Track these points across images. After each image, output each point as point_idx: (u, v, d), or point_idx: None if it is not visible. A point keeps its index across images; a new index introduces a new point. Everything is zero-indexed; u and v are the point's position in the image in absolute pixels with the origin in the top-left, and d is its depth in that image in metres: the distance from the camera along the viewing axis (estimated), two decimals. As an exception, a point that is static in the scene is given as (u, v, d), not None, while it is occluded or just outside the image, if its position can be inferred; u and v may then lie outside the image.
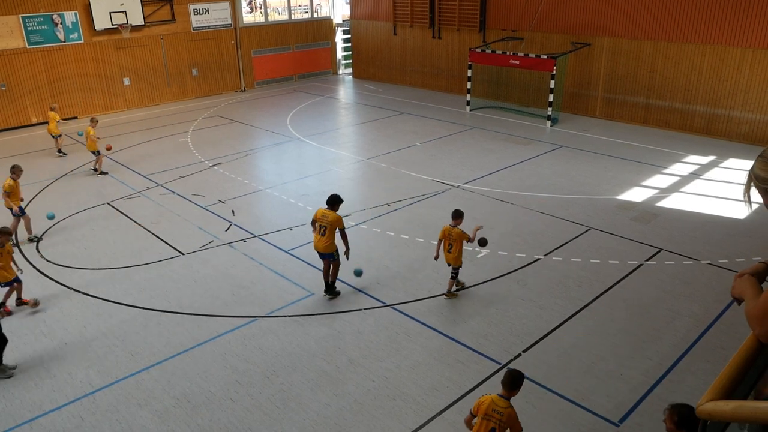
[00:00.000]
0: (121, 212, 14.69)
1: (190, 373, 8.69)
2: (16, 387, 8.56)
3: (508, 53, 21.84)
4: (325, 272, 10.41)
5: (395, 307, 10.19)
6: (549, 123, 21.17)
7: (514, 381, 6.02)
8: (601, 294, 10.41)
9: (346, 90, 29.12)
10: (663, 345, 9.03)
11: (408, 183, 15.87)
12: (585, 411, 7.72)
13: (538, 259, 11.66)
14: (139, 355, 9.17)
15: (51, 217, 14.12)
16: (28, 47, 23.29)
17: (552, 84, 20.65)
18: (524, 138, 19.77)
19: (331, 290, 10.47)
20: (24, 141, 22.18)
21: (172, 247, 12.70)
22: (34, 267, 12.08)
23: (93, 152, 17.56)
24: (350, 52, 31.94)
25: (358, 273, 10.70)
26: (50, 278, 11.62)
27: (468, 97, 23.72)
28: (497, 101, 24.26)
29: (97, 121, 17.97)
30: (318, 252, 10.28)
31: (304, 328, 9.67)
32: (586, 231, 12.82)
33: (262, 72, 30.11)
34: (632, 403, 7.85)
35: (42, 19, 23.38)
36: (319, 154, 18.90)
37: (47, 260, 12.34)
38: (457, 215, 9.97)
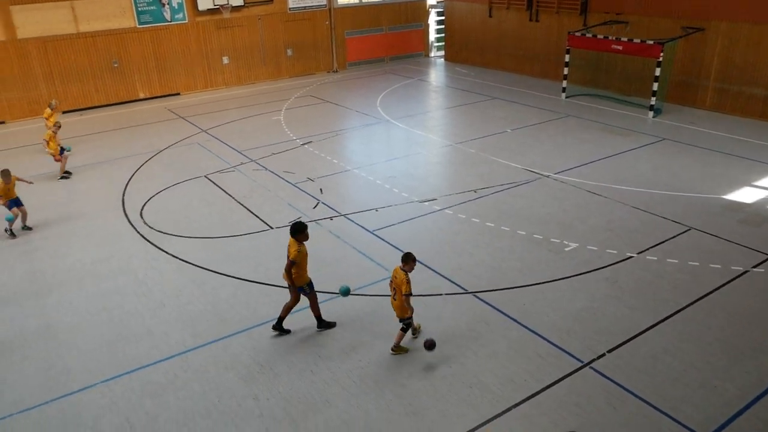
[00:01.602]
0: (216, 185, 15.38)
1: (274, 343, 9.03)
2: (120, 341, 9.22)
3: (610, 38, 20.91)
4: (287, 308, 9.18)
5: (476, 294, 10.12)
6: (651, 113, 20.15)
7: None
8: (698, 299, 9.87)
9: (437, 73, 28.93)
10: (766, 360, 8.46)
11: (496, 170, 15.63)
12: (671, 420, 7.39)
13: (631, 257, 11.21)
14: (229, 321, 9.62)
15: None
16: (138, 27, 24.64)
17: (657, 72, 19.60)
18: (623, 129, 18.96)
19: (321, 323, 9.34)
20: (131, 115, 23.59)
21: (263, 221, 13.17)
22: (138, 231, 12.90)
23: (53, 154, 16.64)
24: (443, 35, 31.63)
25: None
26: (152, 243, 12.37)
27: (564, 83, 22.97)
28: (595, 89, 23.34)
29: (60, 126, 17.25)
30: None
31: (384, 309, 9.78)
32: (686, 231, 12.17)
33: (355, 53, 30.41)
34: (725, 418, 7.42)
35: (151, 0, 24.63)
36: (407, 137, 18.94)
37: (149, 226, 13.14)
38: (406, 258, 8.34)
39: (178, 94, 26.29)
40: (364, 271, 10.94)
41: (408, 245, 11.69)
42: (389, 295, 10.01)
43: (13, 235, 13.10)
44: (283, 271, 8.84)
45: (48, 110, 18.41)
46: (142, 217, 13.66)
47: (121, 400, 8.02)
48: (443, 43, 31.77)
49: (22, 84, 23.18)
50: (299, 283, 8.89)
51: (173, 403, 7.94)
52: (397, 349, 8.70)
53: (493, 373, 8.25)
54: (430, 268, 10.94)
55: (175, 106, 24.37)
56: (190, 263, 11.49)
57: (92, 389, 8.25)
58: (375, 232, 12.42)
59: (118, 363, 8.75)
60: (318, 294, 9.40)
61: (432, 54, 32.97)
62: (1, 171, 12.92)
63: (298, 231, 8.72)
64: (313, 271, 10.89)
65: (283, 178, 15.61)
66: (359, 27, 30.10)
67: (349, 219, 13.10)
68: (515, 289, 10.23)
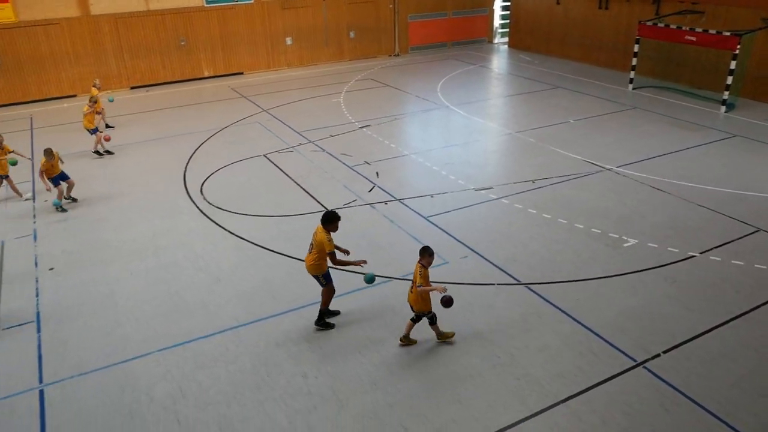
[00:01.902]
0: (275, 164, 15.62)
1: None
2: (176, 313, 9.54)
3: (683, 28, 20.04)
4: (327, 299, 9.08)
5: (530, 286, 9.97)
6: (723, 108, 19.26)
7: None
8: (763, 304, 9.44)
9: (500, 60, 28.44)
10: (831, 367, 8.05)
11: (556, 161, 15.29)
12: (726, 426, 7.12)
13: (693, 256, 10.80)
14: (281, 299, 9.81)
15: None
16: (205, 6, 25.14)
17: (733, 65, 18.69)
18: (692, 123, 18.19)
19: (320, 320, 9.05)
20: (195, 92, 24.19)
21: (318, 202, 13.32)
22: (197, 207, 13.26)
23: (89, 130, 16.87)
24: (508, 21, 31.02)
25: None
26: (210, 219, 12.70)
27: (631, 74, 22.19)
28: (664, 80, 22.44)
29: (96, 101, 17.10)
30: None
31: (435, 295, 9.76)
32: (754, 232, 11.63)
33: (417, 37, 30.19)
34: (785, 425, 7.13)
35: (220, -22, 25.12)
36: (466, 124, 18.73)
37: (208, 202, 13.48)
38: (423, 252, 8.22)
39: (242, 73, 26.76)
40: (416, 257, 10.89)
41: (462, 233, 11.63)
42: (443, 283, 10.00)
43: (63, 210, 13.48)
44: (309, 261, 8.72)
45: (94, 89, 18.71)
46: (202, 193, 14.02)
47: (174, 369, 8.31)
48: (507, 30, 31.17)
49: (94, 59, 24.07)
50: (316, 272, 8.72)
51: (224, 375, 8.17)
52: (442, 337, 8.65)
53: (542, 366, 8.13)
54: (482, 257, 10.84)
55: (237, 85, 24.84)
56: (246, 240, 11.75)
57: (148, 357, 8.58)
58: (429, 219, 12.38)
59: (174, 334, 9.06)
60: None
61: (495, 40, 32.40)
62: (45, 150, 13.35)
63: (330, 221, 8.53)
64: (365, 255, 10.95)
65: (340, 161, 15.72)
66: (423, 11, 29.84)
67: (404, 204, 13.10)
68: (569, 283, 10.03)
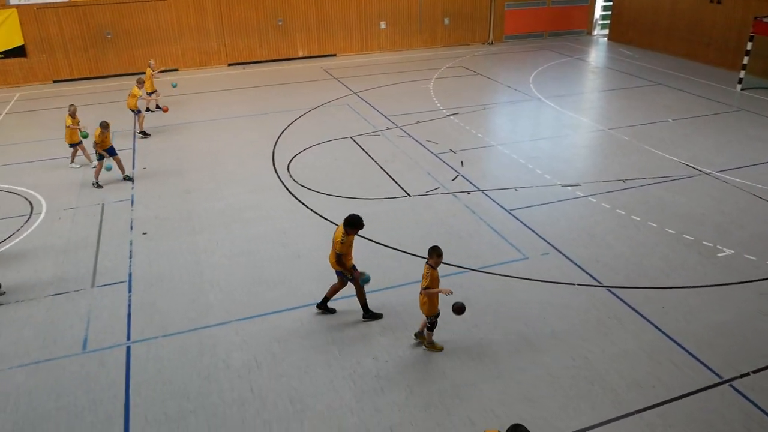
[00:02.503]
0: (361, 147, 15.78)
1: (398, 308, 9.21)
2: (257, 285, 9.88)
3: (805, 28, 18.53)
4: (333, 289, 9.07)
5: (611, 289, 9.61)
6: (843, 116, 17.72)
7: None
8: None
9: (598, 53, 27.35)
10: None
11: (650, 161, 14.59)
12: (820, 455, 6.65)
13: (795, 271, 10.06)
14: (357, 281, 9.93)
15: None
16: (305, -15, 25.64)
17: None
18: (805, 130, 16.86)
19: (366, 313, 9.06)
20: (289, 72, 24.77)
21: (401, 187, 13.36)
22: (284, 184, 13.63)
23: (133, 110, 17.23)
24: (609, 12, 29.72)
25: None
26: (295, 197, 13.02)
27: (741, 73, 20.76)
28: (778, 83, 20.88)
29: (144, 82, 17.67)
30: None
31: (511, 290, 9.62)
32: None
33: (513, 26, 29.50)
34: None
35: (320, -40, 25.47)
36: (557, 118, 18.18)
37: (294, 180, 13.82)
38: (431, 252, 7.90)
39: (334, 55, 27.12)
40: (496, 250, 10.78)
41: (544, 229, 11.35)
42: (517, 277, 9.83)
43: (99, 186, 13.85)
44: (331, 257, 8.71)
45: (150, 70, 19.04)
46: (288, 171, 14.38)
47: (251, 339, 8.62)
48: (608, 22, 29.88)
49: (197, 36, 25.10)
50: (338, 268, 8.67)
51: (297, 349, 8.39)
52: (429, 346, 8.31)
53: (619, 373, 7.84)
54: (564, 255, 10.54)
55: (330, 67, 25.21)
56: (328, 220, 11.97)
57: (227, 326, 8.94)
58: (512, 212, 12.15)
59: (253, 305, 9.39)
60: (447, 266, 9.37)
61: (595, 32, 31.15)
62: (102, 122, 13.83)
63: (351, 224, 8.40)
64: (444, 244, 10.87)
65: (425, 147, 15.68)
66: (520, -1, 29.13)
67: (486, 195, 12.91)
68: (655, 290, 9.59)
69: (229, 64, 25.92)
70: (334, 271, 8.87)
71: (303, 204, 12.70)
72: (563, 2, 29.80)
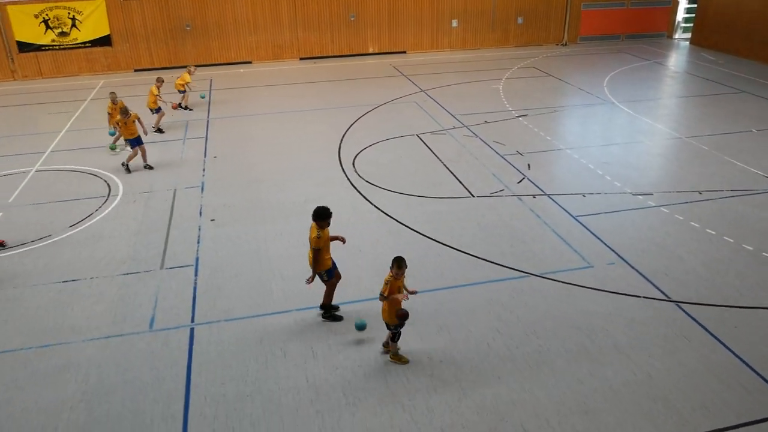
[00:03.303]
0: (426, 145, 15.74)
1: (455, 308, 9.14)
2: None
3: None
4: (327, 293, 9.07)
5: (680, 304, 9.22)
6: None
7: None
8: None
9: (678, 57, 26.27)
10: None
11: (730, 172, 13.90)
12: None
13: None
14: (416, 277, 9.89)
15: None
16: (379, -18, 25.76)
17: None
18: None
19: (326, 312, 9.00)
20: (359, 67, 24.95)
21: (465, 187, 13.24)
22: (348, 179, 13.75)
23: (152, 110, 17.33)
24: (693, 15, 28.47)
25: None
26: (359, 191, 13.12)
27: (836, 84, 19.49)
28: None
29: (163, 81, 17.73)
30: None
31: (574, 298, 9.38)
32: None
33: (589, 27, 28.71)
34: None
35: (396, -43, 25.52)
36: (630, 123, 17.58)
37: (359, 175, 13.92)
38: (392, 262, 7.73)
39: (404, 52, 27.15)
40: (559, 256, 10.53)
41: (611, 238, 11.01)
42: (580, 285, 9.58)
43: (128, 170, 14.40)
44: (310, 257, 8.61)
45: (187, 75, 19.31)
46: (354, 166, 14.50)
47: (309, 329, 8.74)
48: (691, 25, 28.63)
49: (271, 29, 25.64)
50: (319, 269, 8.55)
51: (353, 343, 8.45)
52: (394, 357, 8.08)
53: (683, 393, 7.52)
54: (631, 265, 10.19)
55: (399, 64, 25.25)
56: (390, 216, 12.00)
57: (287, 314, 9.10)
58: (578, 218, 11.84)
59: (312, 295, 9.49)
60: (507, 269, 9.24)
61: (676, 36, 29.94)
62: (122, 108, 14.46)
63: (319, 216, 8.31)
64: (506, 247, 10.78)
65: (492, 148, 15.48)
66: (598, -1, 28.31)
67: (552, 199, 12.63)
68: (728, 308, 9.13)
69: (301, 59, 26.36)
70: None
71: (366, 199, 12.78)
72: (644, 3, 28.77)
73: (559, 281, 9.79)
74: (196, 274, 10.19)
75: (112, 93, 15.89)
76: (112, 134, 15.85)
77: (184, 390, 7.68)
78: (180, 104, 19.44)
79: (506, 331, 8.62)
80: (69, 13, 23.85)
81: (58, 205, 12.90)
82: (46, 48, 24.20)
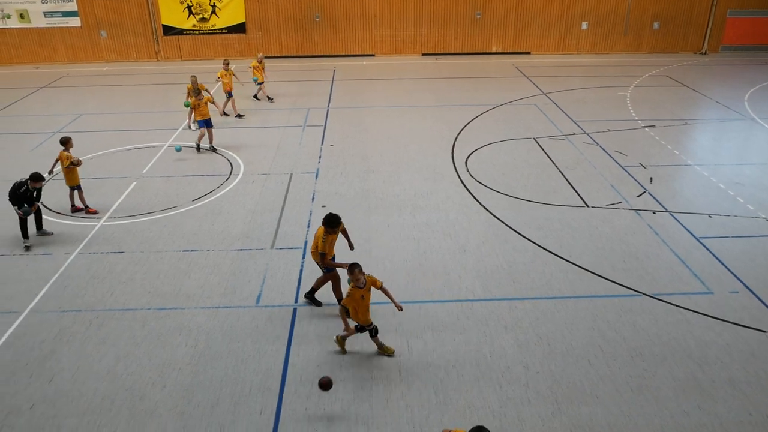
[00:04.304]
0: (542, 149, 15.32)
1: (558, 320, 8.85)
2: (419, 271, 10.06)
3: None
4: (319, 282, 9.29)
5: (812, 345, 8.38)
6: None
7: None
8: None
9: (837, 74, 23.78)
10: None
11: None
12: None
13: None
14: (520, 284, 9.71)
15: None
16: (509, -20, 25.30)
17: None
18: None
19: (310, 293, 9.31)
20: (480, 66, 24.71)
21: (580, 196, 12.76)
22: (459, 177, 13.68)
23: (227, 93, 18.20)
24: None
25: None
26: (468, 191, 13.01)
27: None
28: None
29: (228, 63, 18.35)
30: None
31: (688, 324, 8.78)
32: None
33: (733, 35, 26.61)
34: None
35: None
36: (772, 143, 16.16)
37: (470, 174, 13.80)
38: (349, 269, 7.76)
39: (528, 53, 26.53)
40: (676, 278, 9.89)
41: (737, 264, 10.20)
42: (697, 311, 9.00)
43: (199, 149, 15.32)
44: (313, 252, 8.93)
45: (256, 61, 19.54)
46: (466, 165, 14.39)
47: (406, 323, 8.80)
48: None
49: (396, 24, 25.92)
50: (317, 260, 8.88)
51: (449, 342, 8.41)
52: (339, 339, 8.21)
53: (806, 442, 6.85)
54: (757, 296, 9.38)
55: (522, 64, 24.72)
56: (498, 218, 11.81)
57: (387, 306, 9.09)
58: (701, 239, 11.06)
59: (412, 290, 9.57)
60: (617, 285, 8.79)
61: (836, 49, 27.11)
62: (197, 94, 15.03)
63: (328, 223, 8.53)
64: (617, 262, 10.28)
65: (612, 158, 14.79)
66: (748, 6, 26.13)
67: (674, 217, 11.89)
68: None
69: (423, 54, 26.46)
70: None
71: (476, 199, 12.64)
72: (801, 13, 26.28)
73: (672, 304, 9.21)
74: (303, 257, 10.56)
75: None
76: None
77: (282, 366, 8.00)
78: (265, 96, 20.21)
79: (609, 350, 8.24)
80: (210, 1, 25.40)
81: (185, 179, 13.82)
82: (188, 32, 25.94)
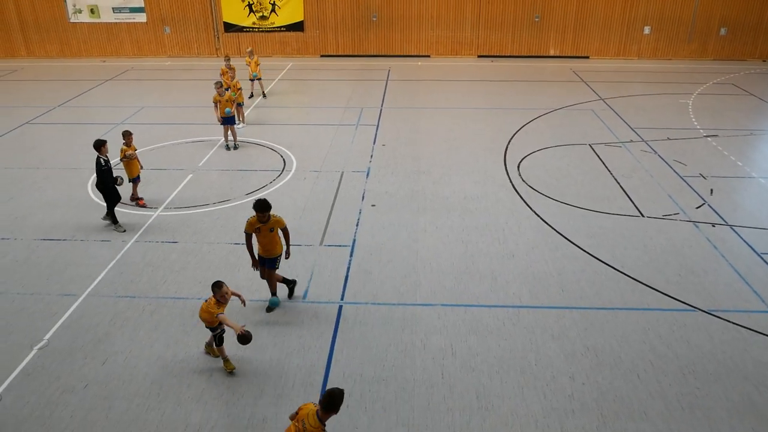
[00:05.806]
0: (598, 156, 14.97)
1: (607, 331, 8.64)
2: (467, 275, 9.99)
3: None
4: (273, 282, 9.31)
5: None
6: None
7: (331, 401, 5.51)
8: None
9: None
10: None
11: None
12: None
13: None
14: (569, 293, 9.52)
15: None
16: (570, -18, 24.84)
17: None
18: None
19: (288, 283, 9.45)
20: (537, 70, 24.32)
21: (635, 205, 12.42)
22: (511, 181, 13.51)
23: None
24: None
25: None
26: (520, 195, 12.84)
27: None
28: None
29: (230, 59, 18.47)
30: None
31: (745, 343, 8.43)
32: None
33: (808, 44, 25.43)
34: None
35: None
36: None
37: (522, 179, 13.62)
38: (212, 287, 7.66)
39: (587, 57, 25.99)
40: (735, 294, 9.52)
41: (802, 283, 9.74)
42: (756, 331, 8.64)
43: (228, 148, 15.53)
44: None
45: (248, 58, 19.87)
46: (518, 169, 14.20)
47: (451, 326, 8.75)
48: None
49: (453, 25, 25.80)
50: (273, 254, 8.94)
51: (494, 348, 8.32)
52: (209, 348, 8.17)
53: None
54: (823, 319, 8.94)
55: (580, 69, 24.23)
56: (549, 225, 11.61)
57: (432, 308, 9.18)
58: (763, 255, 10.61)
59: (459, 293, 9.51)
60: (670, 299, 8.52)
61: None
62: (217, 85, 15.25)
63: (256, 208, 8.51)
64: (672, 275, 9.98)
65: (671, 167, 14.34)
66: (824, 14, 24.93)
67: (735, 231, 11.44)
68: None
69: (479, 56, 26.25)
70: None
71: (527, 204, 12.46)
72: None
73: (730, 322, 8.86)
74: (351, 255, 10.63)
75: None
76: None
77: (325, 362, 8.07)
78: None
79: (660, 366, 7.99)
80: (270, -1, 25.90)
81: (239, 173, 14.11)
82: (247, 30, 26.47)
